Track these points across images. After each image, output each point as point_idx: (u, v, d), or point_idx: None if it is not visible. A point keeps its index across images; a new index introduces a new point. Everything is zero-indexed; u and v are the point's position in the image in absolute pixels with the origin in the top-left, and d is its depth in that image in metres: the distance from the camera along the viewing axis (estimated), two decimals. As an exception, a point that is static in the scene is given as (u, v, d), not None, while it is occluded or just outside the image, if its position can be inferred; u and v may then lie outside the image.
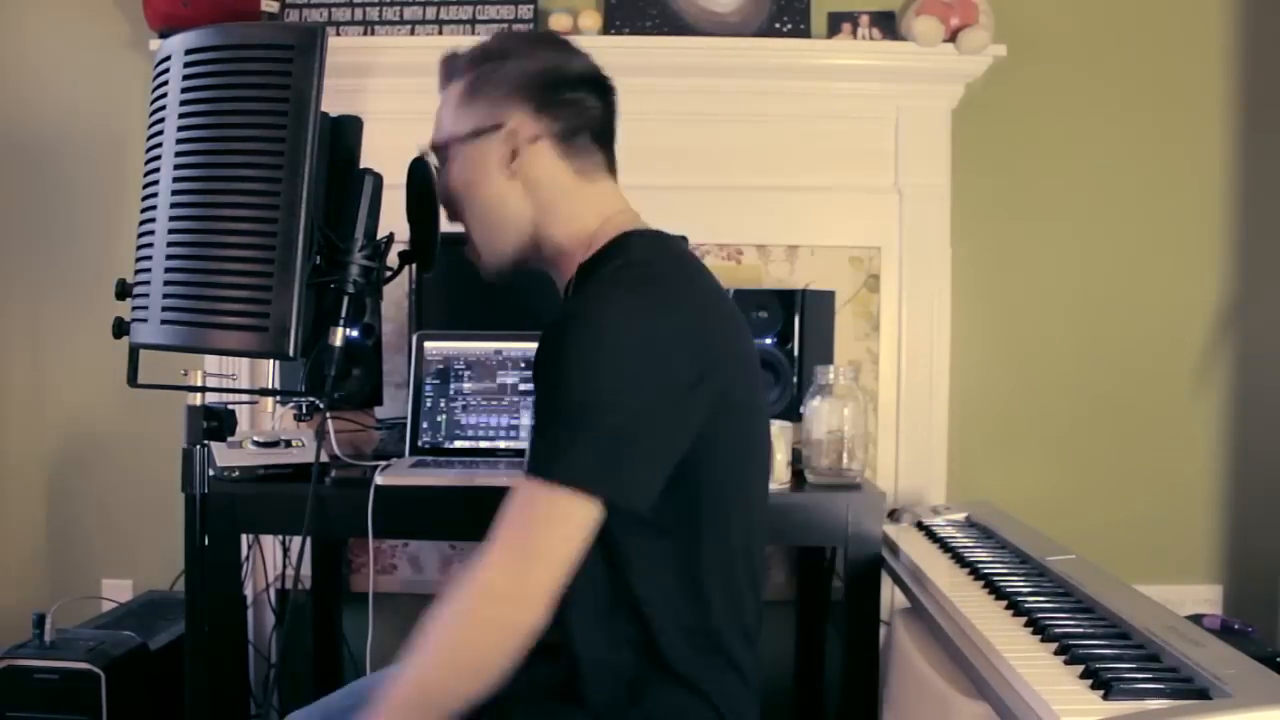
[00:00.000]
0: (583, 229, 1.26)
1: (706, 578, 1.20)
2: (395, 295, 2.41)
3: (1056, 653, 1.24)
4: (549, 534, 1.09)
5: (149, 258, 1.29)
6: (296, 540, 2.35)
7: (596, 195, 1.28)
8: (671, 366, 1.13)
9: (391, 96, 2.43)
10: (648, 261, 1.20)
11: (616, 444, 1.09)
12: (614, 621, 1.19)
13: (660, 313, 1.14)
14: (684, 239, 2.19)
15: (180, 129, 1.25)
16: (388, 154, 1.38)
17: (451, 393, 2.06)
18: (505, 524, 1.10)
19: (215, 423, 1.37)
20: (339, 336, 1.28)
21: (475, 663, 1.10)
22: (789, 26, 2.48)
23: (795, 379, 2.13)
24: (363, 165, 1.31)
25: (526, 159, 1.25)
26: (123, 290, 1.36)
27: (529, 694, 1.20)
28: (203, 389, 1.37)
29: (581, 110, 1.27)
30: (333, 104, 1.25)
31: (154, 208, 1.29)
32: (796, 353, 2.15)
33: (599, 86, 1.29)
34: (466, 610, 1.10)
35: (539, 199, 1.26)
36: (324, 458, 1.95)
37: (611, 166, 1.30)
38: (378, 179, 1.29)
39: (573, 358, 1.11)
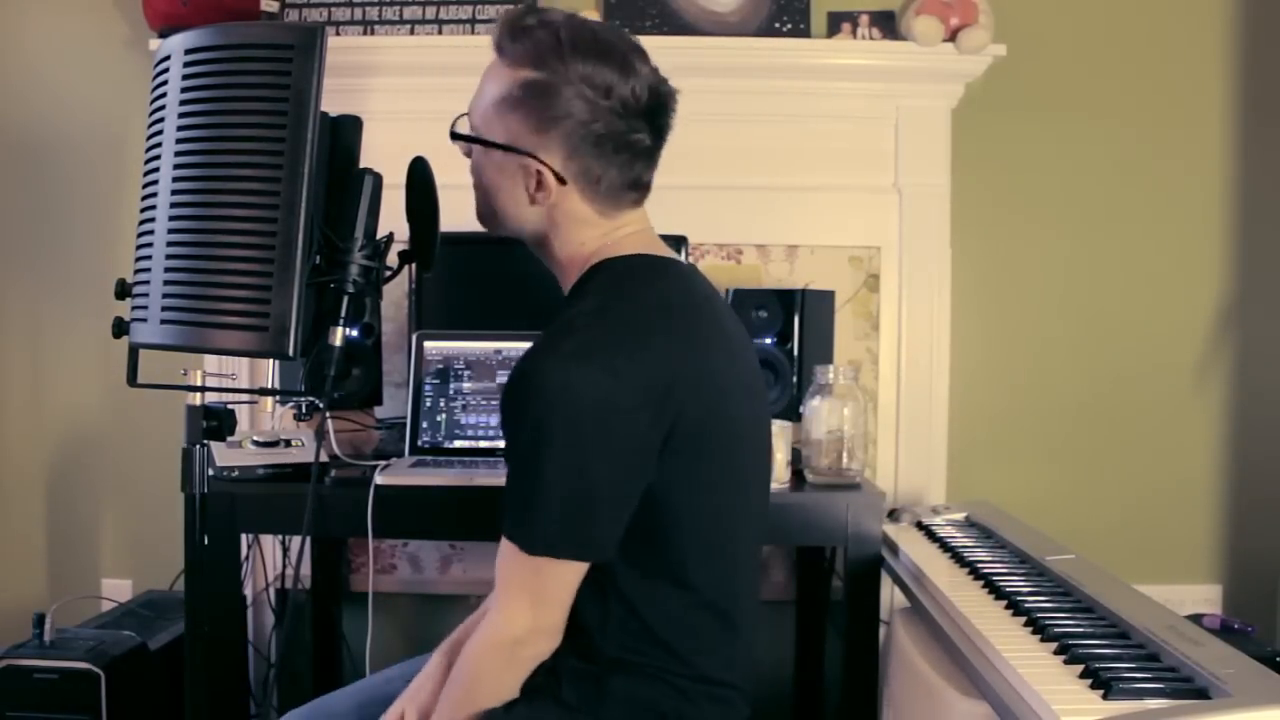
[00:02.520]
0: (583, 250, 1.26)
1: (683, 581, 1.22)
2: (395, 295, 2.41)
3: (1056, 652, 1.24)
4: (544, 583, 1.17)
5: (149, 257, 1.29)
6: (296, 540, 2.35)
7: (610, 225, 1.26)
8: (626, 425, 1.13)
9: (392, 96, 2.44)
10: (605, 309, 1.19)
11: (578, 508, 1.14)
12: (588, 631, 1.21)
13: (615, 370, 1.13)
14: (683, 239, 2.20)
15: (180, 129, 1.25)
16: (388, 153, 1.38)
17: (451, 392, 2.06)
18: (507, 576, 1.18)
19: (215, 422, 1.37)
20: (339, 336, 1.28)
21: (502, 693, 1.21)
22: (789, 26, 2.48)
23: (795, 379, 2.13)
24: (363, 165, 1.31)
25: (548, 194, 1.22)
26: (122, 290, 1.36)
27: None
28: (202, 389, 1.37)
29: (625, 160, 1.23)
30: (333, 104, 1.25)
31: (153, 207, 1.29)
32: (796, 352, 2.15)
33: (655, 111, 1.23)
34: (494, 657, 1.20)
35: (555, 220, 1.25)
36: (324, 457, 1.95)
37: (643, 198, 1.29)
38: (378, 179, 1.29)
39: (529, 423, 1.13)
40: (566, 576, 1.16)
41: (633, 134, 1.21)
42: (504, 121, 1.21)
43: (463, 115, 1.27)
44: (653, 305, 1.21)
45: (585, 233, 1.26)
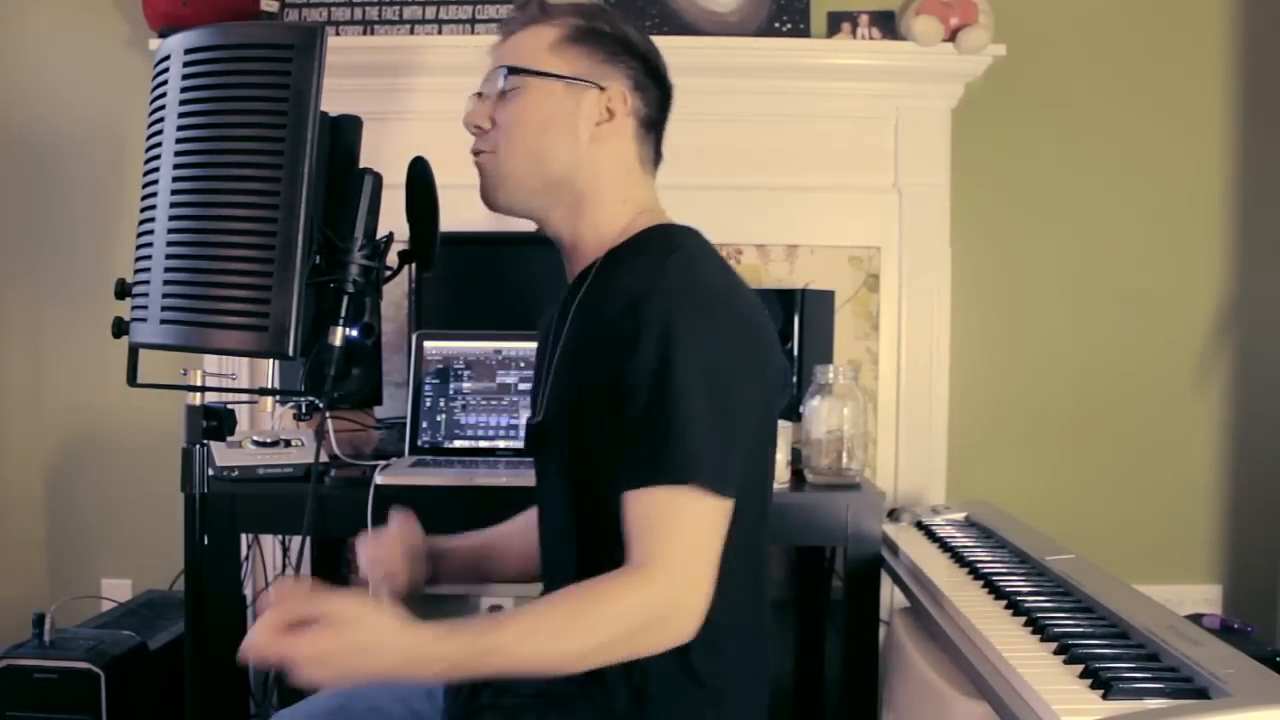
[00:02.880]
0: (623, 215, 1.27)
1: (728, 576, 1.19)
2: (395, 295, 2.41)
3: (1056, 652, 1.24)
4: (714, 539, 1.10)
5: (148, 257, 1.29)
6: (296, 540, 2.35)
7: (645, 187, 1.30)
8: (746, 369, 1.17)
9: (391, 96, 2.44)
10: (706, 255, 1.23)
11: (728, 445, 1.12)
12: None
13: (739, 311, 1.18)
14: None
15: (180, 129, 1.25)
16: (387, 153, 1.38)
17: (451, 392, 2.06)
18: (671, 537, 1.08)
19: (215, 422, 1.37)
20: (339, 336, 1.28)
21: (622, 658, 1.10)
22: (789, 26, 2.48)
23: (795, 378, 2.13)
24: (363, 164, 1.31)
25: (614, 128, 1.25)
26: (122, 290, 1.36)
27: (543, 696, 1.20)
28: (202, 389, 1.37)
29: (661, 105, 1.30)
30: (332, 103, 1.25)
31: (153, 207, 1.29)
32: (796, 352, 2.15)
33: (667, 86, 1.31)
34: (649, 623, 1.07)
35: (599, 170, 1.25)
36: (324, 457, 1.95)
37: (659, 163, 1.33)
38: (377, 178, 1.29)
39: (677, 360, 1.10)
40: (722, 525, 1.11)
41: (660, 95, 1.30)
42: (565, 56, 1.24)
43: (499, 69, 1.27)
44: (725, 261, 1.27)
45: (628, 189, 1.27)
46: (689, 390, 1.10)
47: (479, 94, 1.29)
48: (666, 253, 1.20)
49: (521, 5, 1.28)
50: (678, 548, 1.08)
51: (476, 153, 1.28)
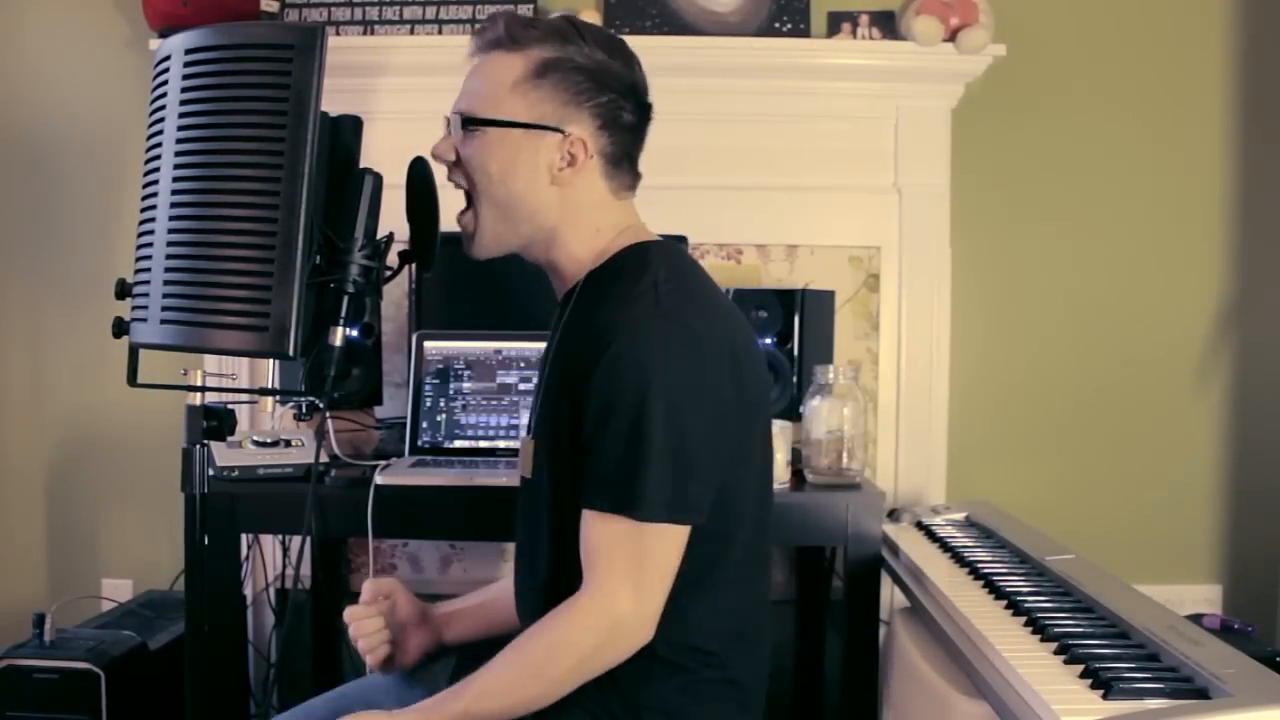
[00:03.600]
0: (598, 240, 1.28)
1: (719, 586, 1.22)
2: (395, 295, 2.41)
3: (1056, 652, 1.24)
4: (649, 556, 1.15)
5: (149, 257, 1.29)
6: (296, 540, 2.35)
7: (620, 210, 1.30)
8: (717, 387, 1.18)
9: (391, 96, 2.44)
10: (677, 276, 1.23)
11: (684, 469, 1.14)
12: None
13: (702, 335, 1.18)
14: (683, 239, 2.20)
15: (180, 129, 1.25)
16: (388, 153, 1.38)
17: (451, 392, 2.06)
18: (607, 553, 1.15)
19: (215, 422, 1.37)
20: (339, 336, 1.28)
21: (582, 674, 1.17)
22: (789, 26, 2.48)
23: (795, 379, 2.13)
24: (363, 165, 1.31)
25: (575, 171, 1.24)
26: (122, 290, 1.36)
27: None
28: (202, 389, 1.37)
29: (634, 134, 1.28)
30: (336, 104, 1.25)
31: (154, 207, 1.29)
32: (796, 352, 2.15)
33: (646, 106, 1.29)
34: (588, 633, 1.15)
35: (569, 206, 1.26)
36: (324, 457, 1.95)
37: (637, 185, 1.32)
38: (378, 179, 1.29)
39: (628, 392, 1.13)
40: (671, 546, 1.15)
41: (638, 119, 1.28)
42: (526, 99, 1.23)
43: (455, 114, 1.27)
44: (701, 276, 1.28)
45: (600, 218, 1.27)
46: (647, 420, 1.12)
47: (448, 119, 1.30)
48: (638, 276, 1.20)
49: (492, 21, 1.26)
50: (624, 574, 1.14)
51: (457, 187, 1.30)
